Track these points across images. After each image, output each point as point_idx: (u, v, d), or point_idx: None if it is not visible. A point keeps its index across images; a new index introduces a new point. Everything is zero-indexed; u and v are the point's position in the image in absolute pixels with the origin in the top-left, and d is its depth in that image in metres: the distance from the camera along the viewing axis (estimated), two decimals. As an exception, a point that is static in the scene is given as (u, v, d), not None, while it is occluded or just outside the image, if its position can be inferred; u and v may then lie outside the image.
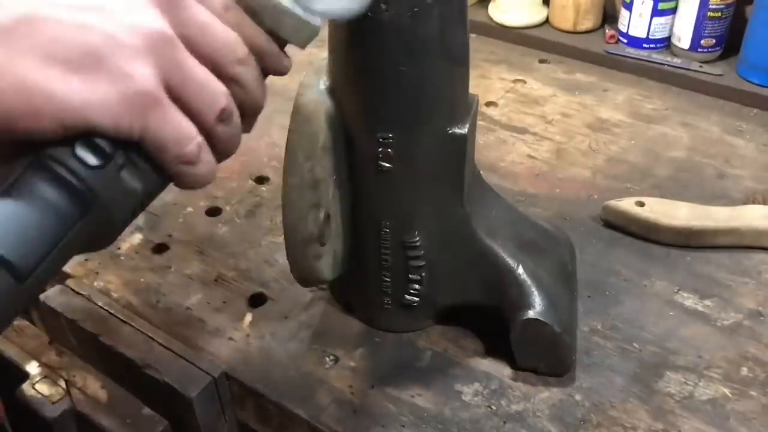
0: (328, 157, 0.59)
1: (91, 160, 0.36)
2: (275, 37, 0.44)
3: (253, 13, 0.43)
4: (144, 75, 0.36)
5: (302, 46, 0.46)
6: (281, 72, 0.45)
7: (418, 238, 0.64)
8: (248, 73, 0.42)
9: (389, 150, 0.59)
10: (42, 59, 0.33)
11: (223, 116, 0.41)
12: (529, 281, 0.63)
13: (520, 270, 0.64)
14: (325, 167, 0.58)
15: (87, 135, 0.36)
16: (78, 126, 0.35)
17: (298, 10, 0.44)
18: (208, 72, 0.39)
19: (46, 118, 0.34)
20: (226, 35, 0.40)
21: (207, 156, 0.40)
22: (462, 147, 0.60)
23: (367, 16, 0.53)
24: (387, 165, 0.60)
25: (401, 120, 0.59)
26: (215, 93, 0.40)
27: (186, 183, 0.40)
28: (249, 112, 0.44)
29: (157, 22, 0.37)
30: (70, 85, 0.34)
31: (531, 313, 0.62)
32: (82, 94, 0.34)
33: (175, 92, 0.38)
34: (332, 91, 0.60)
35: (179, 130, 0.38)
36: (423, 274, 0.66)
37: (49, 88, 0.33)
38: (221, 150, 0.42)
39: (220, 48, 0.40)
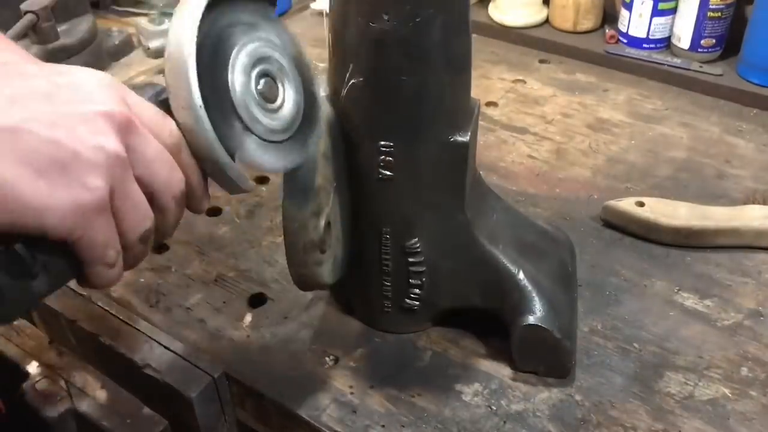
0: (329, 165, 0.59)
1: (13, 270, 0.40)
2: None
3: (197, 158, 0.47)
4: (97, 188, 0.41)
5: (231, 194, 0.50)
6: (198, 211, 0.51)
7: (418, 244, 0.64)
8: (175, 209, 0.47)
9: (390, 158, 0.59)
10: (17, 162, 0.38)
11: (144, 237, 0.46)
12: (529, 287, 0.63)
13: (521, 275, 0.64)
14: (326, 175, 0.58)
15: (21, 240, 0.40)
16: (28, 224, 0.39)
17: (235, 173, 0.47)
18: (144, 197, 0.45)
19: (6, 211, 0.39)
20: (170, 174, 0.46)
21: (120, 262, 0.45)
22: (464, 155, 0.60)
23: (369, 26, 0.53)
24: (388, 173, 0.60)
25: (402, 129, 0.58)
26: (145, 217, 0.45)
27: (94, 283, 0.45)
28: (158, 238, 0.49)
29: (115, 144, 0.42)
30: (36, 187, 0.39)
31: (531, 319, 0.62)
32: (44, 196, 0.39)
33: (114, 207, 0.43)
34: (332, 98, 0.59)
35: (109, 239, 0.43)
36: (423, 278, 0.66)
37: (18, 186, 0.38)
38: (129, 264, 0.47)
39: (161, 183, 0.45)
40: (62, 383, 0.67)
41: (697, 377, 0.66)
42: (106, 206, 0.42)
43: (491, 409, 0.63)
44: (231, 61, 0.46)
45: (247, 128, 0.47)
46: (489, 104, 1.08)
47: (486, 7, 1.29)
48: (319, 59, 1.18)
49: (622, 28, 1.17)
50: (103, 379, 0.68)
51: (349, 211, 0.64)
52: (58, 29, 1.07)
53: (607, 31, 1.21)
